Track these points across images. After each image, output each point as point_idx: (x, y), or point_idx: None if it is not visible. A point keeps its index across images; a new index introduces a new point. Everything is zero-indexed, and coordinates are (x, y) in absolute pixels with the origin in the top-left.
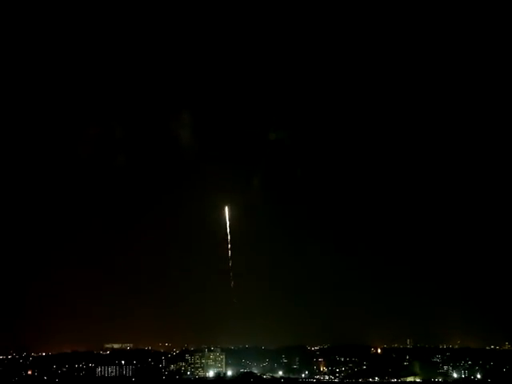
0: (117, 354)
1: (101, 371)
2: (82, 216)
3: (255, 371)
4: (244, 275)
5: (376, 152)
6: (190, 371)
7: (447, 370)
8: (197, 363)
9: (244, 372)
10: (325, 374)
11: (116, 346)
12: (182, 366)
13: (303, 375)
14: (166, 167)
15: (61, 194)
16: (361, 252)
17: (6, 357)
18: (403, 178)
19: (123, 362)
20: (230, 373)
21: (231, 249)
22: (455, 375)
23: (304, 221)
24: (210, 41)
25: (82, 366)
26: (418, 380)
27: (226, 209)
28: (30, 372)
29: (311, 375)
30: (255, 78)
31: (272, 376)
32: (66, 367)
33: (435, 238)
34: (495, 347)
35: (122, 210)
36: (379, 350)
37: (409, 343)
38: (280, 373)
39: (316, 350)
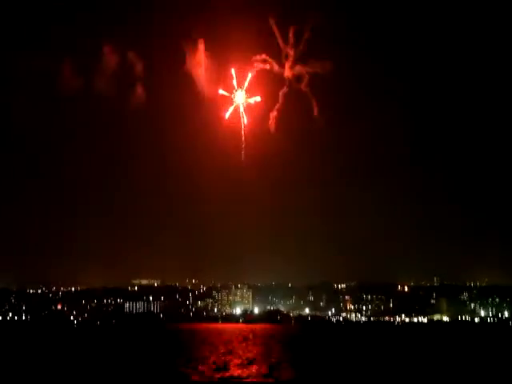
0: (145, 290)
1: (129, 307)
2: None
3: (282, 308)
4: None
5: None
6: (217, 308)
7: (474, 307)
8: (224, 300)
9: (271, 309)
10: (351, 311)
11: (144, 281)
12: (209, 302)
13: (330, 313)
14: None
15: None
16: (389, 189)
17: (36, 291)
18: None
19: (151, 297)
20: (256, 310)
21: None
22: (482, 313)
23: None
24: None
25: (111, 301)
26: (444, 318)
27: None
28: (59, 306)
29: (338, 313)
30: None
31: (299, 313)
32: (94, 302)
33: (464, 176)
34: None
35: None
36: (406, 288)
37: (436, 281)
38: (307, 310)
39: (342, 288)
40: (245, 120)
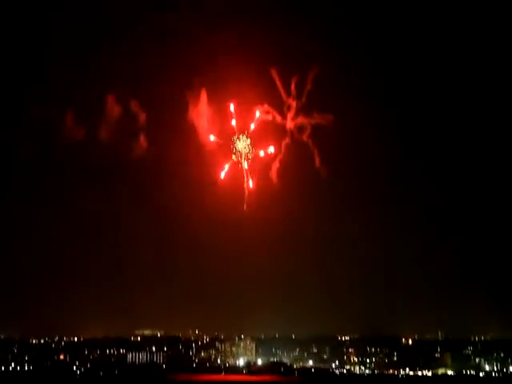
0: (148, 341)
1: (132, 357)
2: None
3: (285, 360)
4: (274, 262)
5: None
6: (221, 359)
7: (479, 362)
8: (227, 351)
9: (274, 361)
10: (355, 364)
11: (147, 332)
12: (212, 353)
13: (333, 365)
14: None
15: None
16: (392, 241)
17: (39, 341)
18: None
19: (154, 348)
20: (260, 361)
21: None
22: (487, 367)
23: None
24: None
25: (113, 351)
26: (449, 372)
27: None
28: (62, 356)
29: (341, 365)
30: None
31: (302, 365)
32: (97, 353)
33: (468, 225)
34: None
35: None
36: (410, 341)
37: (440, 335)
38: (310, 362)
39: (346, 340)
40: (248, 173)
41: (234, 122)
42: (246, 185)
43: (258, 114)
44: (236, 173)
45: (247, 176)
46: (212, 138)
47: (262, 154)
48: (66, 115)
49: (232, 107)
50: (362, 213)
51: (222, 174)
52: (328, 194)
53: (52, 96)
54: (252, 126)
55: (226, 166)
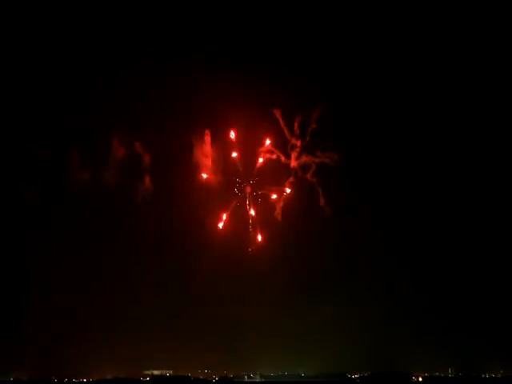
0: (157, 381)
1: None
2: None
3: None
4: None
5: None
6: None
7: None
8: None
9: None
10: None
11: (156, 372)
12: None
13: None
14: None
15: None
16: (401, 281)
17: (48, 383)
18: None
19: None
20: None
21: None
22: None
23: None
24: None
25: None
26: None
27: None
28: None
29: None
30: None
31: None
32: None
33: (472, 261)
34: None
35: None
36: (420, 379)
37: (450, 372)
38: None
39: (356, 378)
40: (251, 211)
41: (237, 163)
42: (251, 228)
43: (261, 157)
44: (240, 216)
45: (252, 220)
46: (226, 181)
47: (274, 196)
48: (71, 158)
49: (235, 153)
50: (367, 250)
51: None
52: (332, 232)
53: (54, 138)
54: (256, 167)
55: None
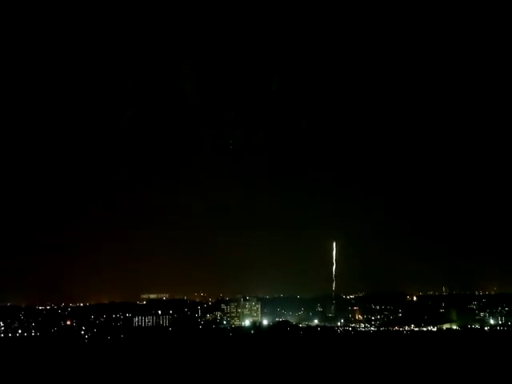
0: (153, 304)
1: (138, 321)
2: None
3: (291, 320)
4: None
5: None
6: (226, 320)
7: (484, 316)
8: (232, 313)
9: (280, 321)
10: (360, 322)
11: (152, 296)
12: (217, 315)
13: (339, 323)
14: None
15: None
16: (393, 198)
17: (45, 307)
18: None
19: (160, 311)
20: (265, 322)
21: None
22: (492, 321)
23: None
24: None
25: (120, 316)
26: (454, 327)
27: None
28: (68, 322)
29: (347, 323)
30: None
31: (308, 324)
32: (103, 317)
33: (467, 182)
34: None
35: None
36: (415, 298)
37: (444, 290)
38: (315, 321)
39: (351, 299)
40: None
41: None
42: None
43: None
44: None
45: None
46: None
47: None
48: None
49: None
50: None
51: None
52: None
53: None
54: None
55: None
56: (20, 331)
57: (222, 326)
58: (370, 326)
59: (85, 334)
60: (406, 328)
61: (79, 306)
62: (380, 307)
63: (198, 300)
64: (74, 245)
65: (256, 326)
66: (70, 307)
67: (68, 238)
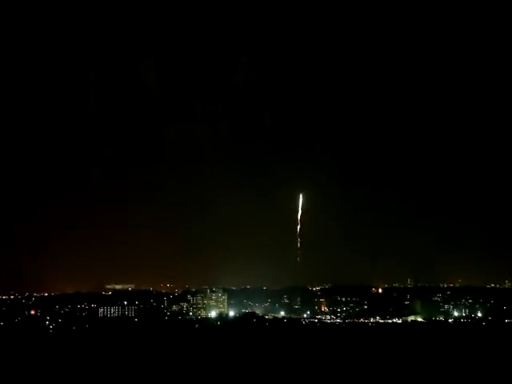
0: (119, 295)
1: (103, 312)
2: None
3: (257, 312)
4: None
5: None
6: (192, 312)
7: (448, 308)
8: (199, 304)
9: (246, 312)
10: (326, 314)
11: (118, 286)
12: (184, 306)
13: (305, 315)
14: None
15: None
16: (358, 189)
17: (9, 297)
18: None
19: (125, 302)
20: (231, 313)
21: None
22: (456, 314)
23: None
24: None
25: (85, 306)
26: (419, 319)
27: None
28: (32, 312)
29: (313, 315)
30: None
31: (274, 316)
32: (68, 307)
33: (433, 174)
34: (496, 285)
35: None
36: (380, 290)
37: (409, 282)
38: (282, 313)
39: (317, 291)
40: None
41: None
42: None
43: None
44: None
45: None
46: None
47: None
48: None
49: None
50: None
51: None
52: None
53: None
54: None
55: None
56: None
57: (188, 318)
58: (336, 318)
59: (49, 325)
60: (372, 320)
61: (43, 295)
62: (346, 299)
63: (164, 291)
64: (37, 234)
65: (222, 317)
66: (35, 297)
67: (31, 228)
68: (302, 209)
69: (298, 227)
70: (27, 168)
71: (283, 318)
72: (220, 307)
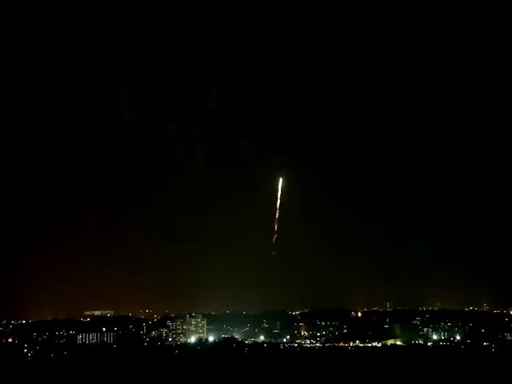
0: (97, 321)
1: (82, 338)
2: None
3: (237, 336)
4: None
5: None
6: (172, 337)
7: (427, 332)
8: (178, 329)
9: (226, 337)
10: (306, 338)
11: (96, 312)
12: (163, 332)
13: (285, 340)
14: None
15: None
16: (338, 218)
17: None
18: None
19: (104, 328)
20: (211, 338)
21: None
22: (435, 337)
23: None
24: None
25: (63, 333)
26: (398, 342)
27: None
28: (10, 339)
29: (293, 340)
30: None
31: (254, 341)
32: (46, 335)
33: (410, 199)
34: (474, 308)
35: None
36: (359, 314)
37: (389, 306)
38: (262, 337)
39: (297, 315)
40: None
41: None
42: None
43: None
44: None
45: None
46: None
47: None
48: None
49: None
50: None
51: None
52: None
53: None
54: None
55: None
56: None
57: (167, 343)
58: (316, 342)
59: (27, 352)
60: (351, 344)
61: (21, 323)
62: (325, 323)
63: (143, 317)
64: (14, 262)
65: (202, 342)
66: (12, 324)
67: (8, 255)
68: (276, 233)
69: (273, 253)
70: None
71: (263, 342)
72: (199, 332)
